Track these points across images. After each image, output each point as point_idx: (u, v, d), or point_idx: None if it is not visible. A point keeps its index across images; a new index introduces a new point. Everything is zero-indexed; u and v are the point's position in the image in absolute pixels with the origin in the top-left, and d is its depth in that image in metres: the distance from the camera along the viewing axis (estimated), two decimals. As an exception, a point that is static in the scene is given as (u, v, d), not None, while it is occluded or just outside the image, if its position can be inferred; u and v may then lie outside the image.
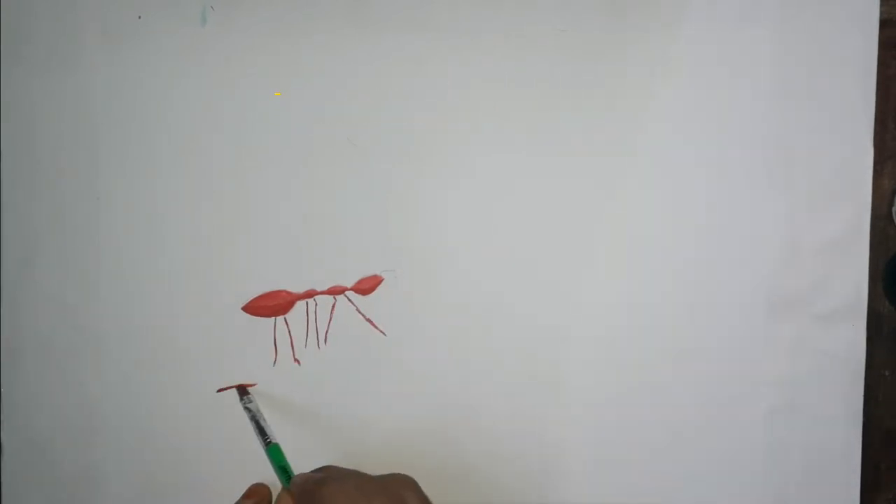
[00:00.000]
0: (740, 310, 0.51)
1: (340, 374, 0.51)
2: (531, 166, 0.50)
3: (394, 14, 0.50)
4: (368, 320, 0.50)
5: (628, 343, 0.51)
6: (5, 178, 0.50)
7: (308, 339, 0.51)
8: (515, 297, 0.51)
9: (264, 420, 0.48)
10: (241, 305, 0.50)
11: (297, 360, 0.51)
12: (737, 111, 0.50)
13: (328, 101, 0.50)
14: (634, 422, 0.51)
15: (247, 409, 0.49)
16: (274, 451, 0.46)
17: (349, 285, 0.50)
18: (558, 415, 0.51)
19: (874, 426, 0.52)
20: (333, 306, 0.50)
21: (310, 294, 0.50)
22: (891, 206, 0.52)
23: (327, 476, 0.41)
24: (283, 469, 0.45)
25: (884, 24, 0.50)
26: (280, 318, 0.50)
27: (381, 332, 0.51)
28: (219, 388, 0.51)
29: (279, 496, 0.42)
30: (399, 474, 0.41)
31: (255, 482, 0.50)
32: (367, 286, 0.50)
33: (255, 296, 0.50)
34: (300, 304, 0.50)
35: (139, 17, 0.49)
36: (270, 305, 0.50)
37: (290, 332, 0.50)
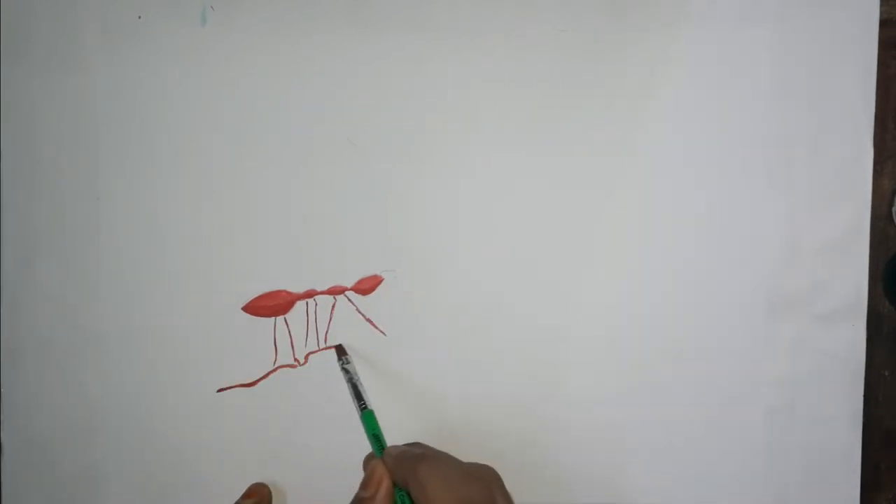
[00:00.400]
0: (740, 310, 0.51)
1: (339, 373, 0.51)
2: (531, 166, 0.50)
3: (394, 14, 0.50)
4: (368, 320, 0.50)
5: (628, 343, 0.51)
6: (5, 178, 0.50)
7: (308, 339, 0.51)
8: (515, 297, 0.51)
9: (362, 384, 0.47)
10: (241, 305, 0.50)
11: (296, 360, 0.51)
12: (737, 111, 0.50)
13: (328, 101, 0.50)
14: (634, 422, 0.51)
15: (344, 370, 0.48)
16: (368, 417, 0.45)
17: (349, 285, 0.50)
18: (558, 414, 0.51)
19: (874, 426, 0.52)
20: (333, 306, 0.50)
21: (310, 294, 0.50)
22: (891, 206, 0.52)
23: (426, 453, 0.41)
24: (375, 437, 0.45)
25: (884, 24, 0.50)
26: (280, 318, 0.50)
27: (381, 332, 0.51)
28: (219, 388, 0.51)
29: (373, 465, 0.42)
30: (486, 466, 0.41)
31: (254, 482, 0.50)
32: (367, 286, 0.50)
33: (255, 296, 0.50)
34: (300, 304, 0.50)
35: (139, 17, 0.49)
36: (270, 305, 0.50)
37: (290, 332, 0.50)
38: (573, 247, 0.51)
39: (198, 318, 0.50)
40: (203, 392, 0.50)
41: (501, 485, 0.40)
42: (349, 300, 0.50)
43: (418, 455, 0.40)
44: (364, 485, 0.41)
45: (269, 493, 0.50)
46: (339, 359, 0.49)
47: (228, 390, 0.51)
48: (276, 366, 0.50)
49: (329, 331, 0.50)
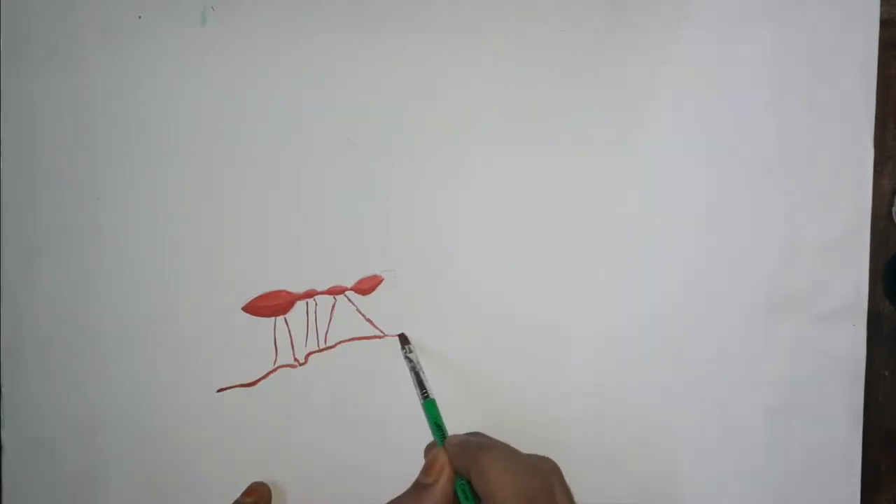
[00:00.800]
0: (740, 310, 0.51)
1: (339, 373, 0.51)
2: (531, 166, 0.50)
3: (394, 14, 0.50)
4: (368, 320, 0.50)
5: (628, 343, 0.51)
6: (5, 178, 0.50)
7: (308, 339, 0.51)
8: (515, 297, 0.51)
9: (424, 373, 0.47)
10: (242, 305, 0.50)
11: (297, 360, 0.51)
12: (737, 111, 0.50)
13: (328, 101, 0.50)
14: (634, 422, 0.51)
15: (407, 358, 0.48)
16: (430, 407, 0.45)
17: (349, 285, 0.50)
18: (558, 414, 0.51)
19: (874, 426, 0.52)
20: (333, 306, 0.50)
21: (310, 294, 0.50)
22: (891, 206, 0.52)
23: (487, 442, 0.41)
24: (437, 426, 0.44)
25: (884, 24, 0.50)
26: (280, 318, 0.50)
27: (381, 331, 0.51)
28: (219, 388, 0.51)
29: (434, 452, 0.42)
30: (546, 457, 0.41)
31: (254, 481, 0.50)
32: (367, 286, 0.50)
33: (255, 296, 0.50)
34: (300, 304, 0.50)
35: (139, 18, 0.49)
36: (270, 305, 0.50)
37: (290, 332, 0.50)
38: (573, 247, 0.51)
39: (198, 318, 0.50)
40: (203, 392, 0.50)
41: (561, 477, 0.40)
42: (349, 300, 0.50)
43: (480, 444, 0.40)
44: (426, 471, 0.41)
45: (269, 491, 0.50)
46: (403, 347, 0.49)
47: (228, 390, 0.51)
48: (276, 366, 0.51)
49: (329, 331, 0.50)
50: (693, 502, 0.52)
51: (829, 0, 0.50)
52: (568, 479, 0.51)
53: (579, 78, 0.50)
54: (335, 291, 0.50)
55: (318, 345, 0.51)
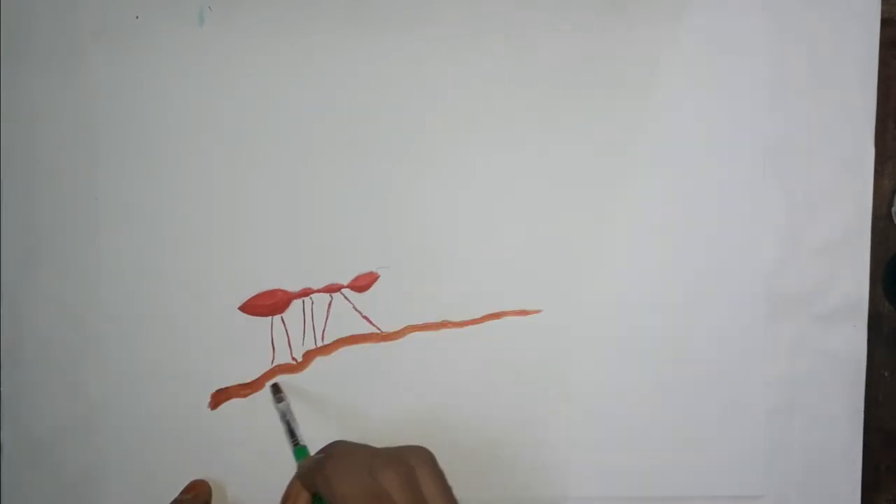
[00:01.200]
0: (740, 310, 0.51)
1: (338, 373, 0.51)
2: (530, 166, 0.50)
3: (394, 14, 0.50)
4: (365, 318, 0.50)
5: (628, 343, 0.51)
6: (5, 178, 0.50)
7: (305, 338, 0.51)
8: (514, 297, 0.51)
9: (295, 421, 0.48)
10: (239, 305, 0.50)
11: (294, 359, 0.51)
12: (737, 111, 0.50)
13: (327, 101, 0.50)
14: (634, 422, 0.51)
15: (278, 408, 0.49)
16: (301, 453, 0.46)
17: (345, 283, 0.50)
18: (558, 414, 0.51)
19: (874, 426, 0.52)
20: (330, 304, 0.50)
21: (306, 292, 0.50)
22: (891, 206, 0.51)
23: (328, 454, 0.40)
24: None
25: (884, 23, 0.50)
26: (277, 317, 0.50)
27: (378, 328, 0.51)
28: (218, 387, 0.51)
29: (288, 487, 0.42)
30: (414, 446, 0.40)
31: (201, 480, 0.51)
32: (363, 283, 0.50)
33: (252, 295, 0.50)
34: (297, 303, 0.50)
35: (137, 17, 0.49)
36: (267, 304, 0.50)
37: (287, 330, 0.50)
38: (572, 247, 0.51)
39: (196, 318, 0.50)
40: (202, 392, 0.51)
41: (429, 464, 0.38)
42: (346, 297, 0.50)
43: (323, 457, 0.40)
44: (283, 500, 0.42)
45: (209, 488, 0.50)
46: (273, 397, 0.50)
47: (228, 390, 0.51)
48: (273, 365, 0.51)
49: (326, 328, 0.51)
50: (693, 502, 0.51)
51: (829, 0, 0.50)
52: (568, 477, 0.51)
53: (579, 77, 0.50)
54: (331, 289, 0.50)
55: (316, 343, 0.51)
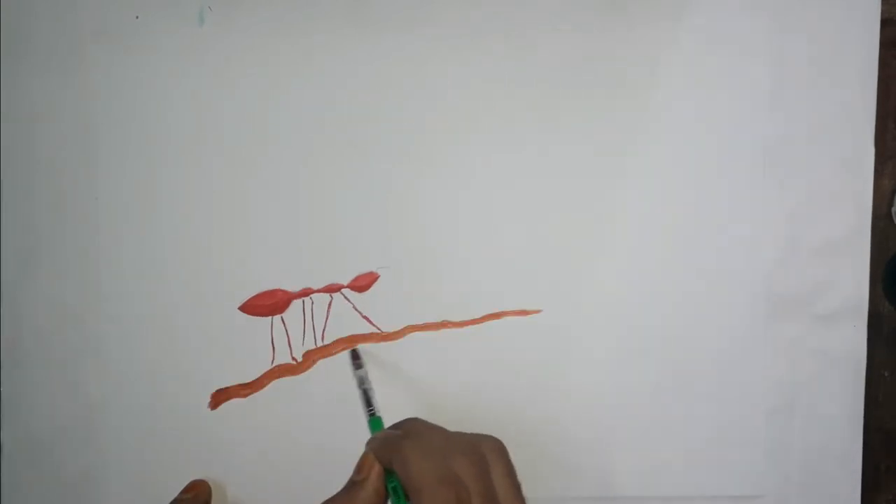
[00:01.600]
0: (740, 310, 0.51)
1: (337, 371, 0.51)
2: (530, 166, 0.50)
3: (394, 14, 0.50)
4: (365, 318, 0.50)
5: (628, 343, 0.51)
6: (5, 179, 0.50)
7: (305, 338, 0.51)
8: (514, 297, 0.51)
9: (372, 390, 0.47)
10: (239, 305, 0.50)
11: (294, 359, 0.51)
12: (737, 111, 0.50)
13: (327, 100, 0.50)
14: (634, 422, 0.51)
15: (356, 375, 0.48)
16: (376, 424, 0.45)
17: (345, 283, 0.50)
18: (558, 414, 0.51)
19: (874, 426, 0.52)
20: (330, 304, 0.50)
21: (306, 292, 0.50)
22: (891, 206, 0.51)
23: (409, 431, 0.40)
24: None
25: (884, 23, 0.50)
26: (277, 318, 0.50)
27: (378, 328, 0.51)
28: (218, 387, 0.51)
29: (363, 457, 0.41)
30: (488, 435, 0.39)
31: (201, 480, 0.51)
32: (363, 283, 0.50)
33: (252, 295, 0.50)
34: (297, 303, 0.50)
35: (137, 17, 0.49)
36: (267, 304, 0.50)
37: (287, 330, 0.50)
38: (572, 247, 0.51)
39: (196, 318, 0.50)
40: (202, 392, 0.51)
41: (502, 457, 0.38)
42: (346, 297, 0.50)
43: (402, 434, 0.40)
44: (357, 469, 0.41)
45: (209, 488, 0.50)
46: (352, 363, 0.49)
47: (227, 390, 0.51)
48: (273, 365, 0.51)
49: (326, 329, 0.51)
50: (693, 501, 0.52)
51: (829, 0, 0.50)
52: (568, 477, 0.51)
53: (579, 77, 0.50)
54: (331, 289, 0.50)
55: (316, 343, 0.51)
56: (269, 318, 0.50)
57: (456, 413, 0.51)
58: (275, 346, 0.50)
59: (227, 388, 0.51)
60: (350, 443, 0.51)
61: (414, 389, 0.51)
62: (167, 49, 0.49)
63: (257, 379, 0.51)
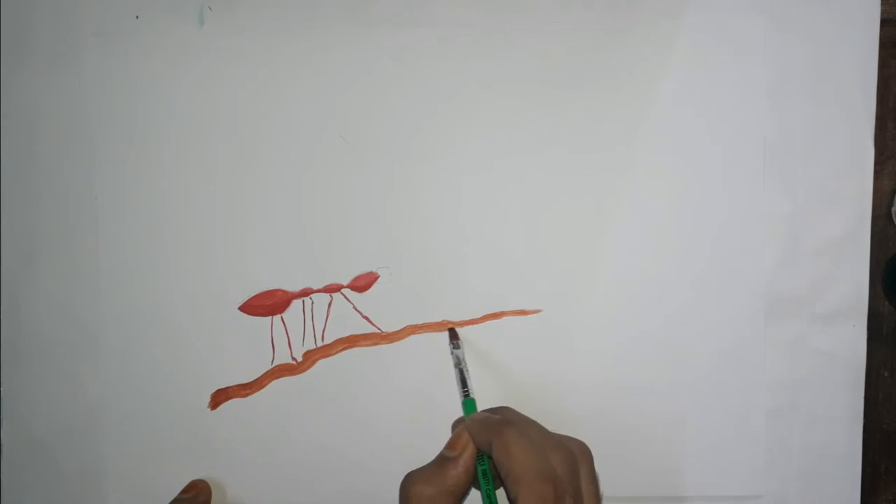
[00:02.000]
0: (740, 310, 0.51)
1: (337, 371, 0.51)
2: (530, 166, 0.50)
3: (394, 14, 0.50)
4: (365, 318, 0.50)
5: (628, 343, 0.51)
6: (5, 178, 0.50)
7: (305, 338, 0.51)
8: (514, 297, 0.51)
9: (468, 371, 0.47)
10: (238, 305, 0.50)
11: (294, 359, 0.51)
12: (737, 111, 0.50)
13: (326, 100, 0.50)
14: (634, 421, 0.51)
15: (453, 355, 0.48)
16: (470, 405, 0.45)
17: (345, 283, 0.50)
18: (558, 413, 0.51)
19: (874, 427, 0.52)
20: (330, 304, 0.50)
21: (306, 292, 0.50)
22: (891, 206, 0.51)
23: (510, 419, 0.40)
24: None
25: (884, 23, 0.50)
26: (277, 318, 0.50)
27: (378, 328, 0.51)
28: (217, 387, 0.51)
29: (460, 428, 0.41)
30: (576, 439, 0.40)
31: (201, 480, 0.51)
32: (362, 283, 0.50)
33: (251, 295, 0.50)
34: (296, 303, 0.50)
35: (136, 17, 0.49)
36: (267, 304, 0.50)
37: (286, 330, 0.50)
38: (572, 247, 0.51)
39: (196, 318, 0.50)
40: (202, 391, 0.51)
41: (590, 462, 0.39)
42: (345, 297, 0.50)
43: (504, 420, 0.39)
44: (450, 445, 0.40)
45: (209, 487, 0.50)
46: (451, 343, 0.49)
47: (227, 390, 0.51)
48: (273, 365, 0.51)
49: (326, 329, 0.51)
50: (693, 501, 0.51)
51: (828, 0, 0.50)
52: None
53: (579, 77, 0.50)
54: (331, 289, 0.50)
55: (316, 343, 0.51)
56: (269, 318, 0.50)
57: (456, 413, 0.51)
58: (275, 346, 0.51)
59: (227, 388, 0.51)
60: (350, 442, 0.51)
61: (416, 389, 0.51)
62: (167, 49, 0.49)
63: (257, 379, 0.51)
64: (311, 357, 0.51)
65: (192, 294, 0.50)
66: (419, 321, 0.51)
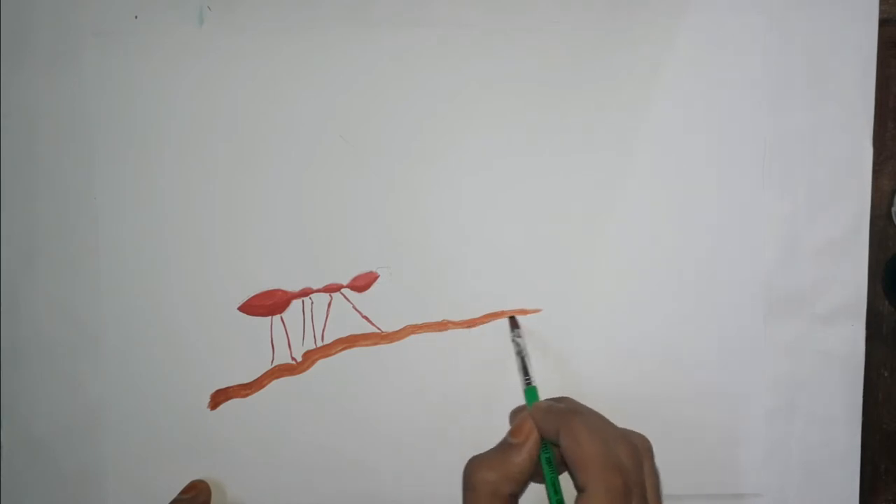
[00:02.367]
0: (740, 310, 0.51)
1: (337, 371, 0.51)
2: (530, 166, 0.50)
3: (394, 14, 0.50)
4: (365, 317, 0.50)
5: (628, 343, 0.51)
6: (5, 178, 0.50)
7: (305, 338, 0.51)
8: (515, 297, 0.51)
9: (529, 358, 0.46)
10: (238, 305, 0.50)
11: (294, 359, 0.51)
12: (736, 111, 0.50)
13: (326, 100, 0.50)
14: (634, 421, 0.51)
15: (514, 343, 0.48)
16: (532, 394, 0.44)
17: (345, 283, 0.50)
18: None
19: (874, 426, 0.52)
20: (330, 304, 0.50)
21: (305, 292, 0.50)
22: (891, 206, 0.51)
23: (576, 408, 0.40)
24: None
25: (883, 23, 0.50)
26: (276, 318, 0.50)
27: (378, 328, 0.51)
28: (217, 388, 0.51)
29: (524, 415, 0.41)
30: (638, 433, 0.40)
31: (201, 480, 0.51)
32: (362, 283, 0.50)
33: (251, 295, 0.50)
34: (296, 303, 0.50)
35: (136, 17, 0.49)
36: (267, 305, 0.50)
37: (286, 330, 0.50)
38: (572, 246, 0.51)
39: (196, 318, 0.50)
40: (201, 391, 0.51)
41: (652, 456, 0.39)
42: (345, 297, 0.50)
43: (571, 409, 0.39)
44: (514, 432, 0.40)
45: (208, 487, 0.50)
46: (512, 331, 0.49)
47: (227, 391, 0.51)
48: (273, 365, 0.51)
49: (326, 329, 0.51)
50: (693, 500, 0.51)
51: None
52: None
53: (578, 77, 0.50)
54: (331, 289, 0.50)
55: (315, 343, 0.51)
56: (269, 318, 0.50)
57: (455, 413, 0.51)
58: (274, 346, 0.51)
59: (226, 389, 0.51)
60: (350, 442, 0.51)
61: (416, 389, 0.51)
62: (166, 49, 0.49)
63: (257, 379, 0.51)
64: (310, 357, 0.51)
65: (192, 294, 0.50)
66: (419, 321, 0.51)
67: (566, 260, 0.51)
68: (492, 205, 0.50)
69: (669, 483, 0.51)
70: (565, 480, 0.37)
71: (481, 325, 0.51)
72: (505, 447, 0.39)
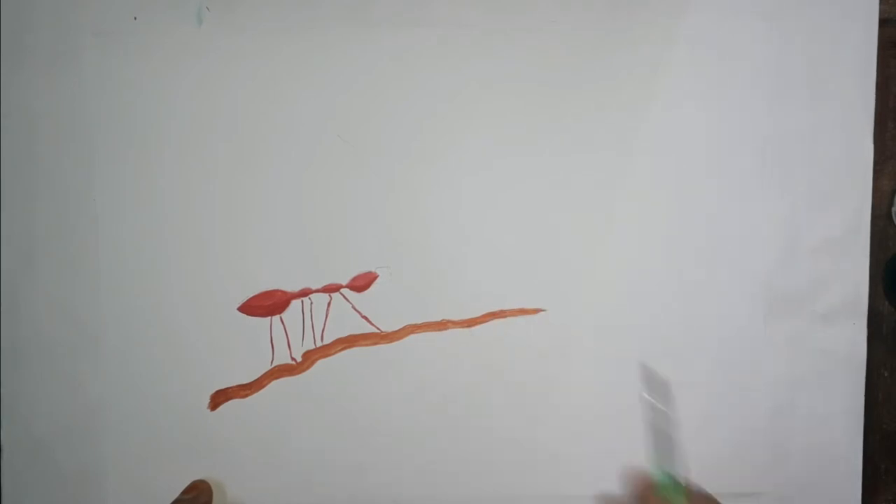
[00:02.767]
0: (740, 310, 0.51)
1: (337, 371, 0.51)
2: (530, 166, 0.50)
3: (394, 14, 0.50)
4: (364, 317, 0.50)
5: (629, 342, 0.51)
6: (5, 178, 0.50)
7: (304, 338, 0.51)
8: (515, 296, 0.51)
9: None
10: (238, 306, 0.50)
11: (293, 359, 0.51)
12: (736, 111, 0.50)
13: (325, 100, 0.50)
14: (634, 421, 0.51)
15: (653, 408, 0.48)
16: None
17: (344, 283, 0.50)
18: (557, 412, 0.51)
19: (874, 426, 0.52)
20: (329, 304, 0.50)
21: (305, 293, 0.50)
22: (891, 206, 0.51)
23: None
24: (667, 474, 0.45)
25: (883, 23, 0.50)
26: (276, 318, 0.50)
27: (377, 328, 0.51)
28: (217, 388, 0.51)
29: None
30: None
31: (201, 480, 0.51)
32: (361, 283, 0.50)
33: (250, 295, 0.50)
34: (296, 303, 0.50)
35: (135, 18, 0.49)
36: (266, 305, 0.50)
37: (286, 330, 0.50)
38: (573, 246, 0.51)
39: (196, 318, 0.50)
40: (201, 391, 0.51)
41: None
42: (344, 297, 0.50)
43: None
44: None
45: (209, 487, 0.50)
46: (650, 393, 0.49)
47: (227, 391, 0.51)
48: (273, 365, 0.51)
49: (325, 329, 0.51)
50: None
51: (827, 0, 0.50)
52: (568, 476, 0.51)
53: (578, 77, 0.50)
54: (330, 289, 0.50)
55: (315, 343, 0.51)
56: (269, 318, 0.50)
57: (456, 413, 0.51)
58: (274, 346, 0.51)
59: (226, 389, 0.51)
60: (350, 442, 0.51)
61: (416, 389, 0.51)
62: (165, 49, 0.49)
63: (257, 379, 0.51)
64: (310, 357, 0.51)
65: (191, 294, 0.50)
66: (419, 321, 0.51)
67: (566, 260, 0.51)
68: (492, 205, 0.50)
69: (669, 483, 0.51)
70: None
71: (481, 325, 0.51)
72: None
